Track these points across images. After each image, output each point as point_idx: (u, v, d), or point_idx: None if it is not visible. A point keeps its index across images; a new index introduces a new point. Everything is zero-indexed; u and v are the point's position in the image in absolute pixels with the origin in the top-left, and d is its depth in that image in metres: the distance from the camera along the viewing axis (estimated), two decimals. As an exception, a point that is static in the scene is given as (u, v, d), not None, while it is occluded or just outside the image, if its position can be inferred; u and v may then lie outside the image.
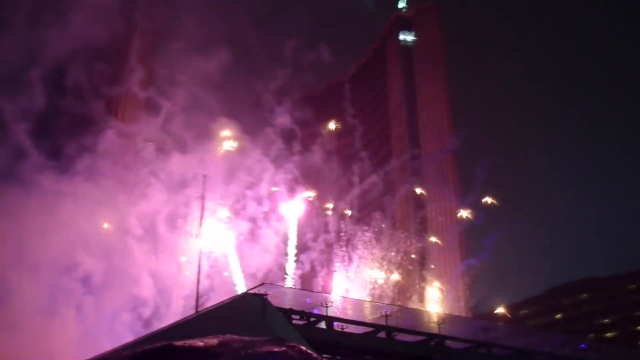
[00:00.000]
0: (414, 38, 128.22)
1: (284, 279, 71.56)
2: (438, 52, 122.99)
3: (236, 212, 70.05)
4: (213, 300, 63.08)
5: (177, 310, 63.63)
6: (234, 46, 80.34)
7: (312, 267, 78.37)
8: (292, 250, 75.11)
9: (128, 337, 55.82)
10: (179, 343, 10.74)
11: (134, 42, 74.19)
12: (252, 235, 71.13)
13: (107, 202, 64.42)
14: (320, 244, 79.69)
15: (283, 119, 77.43)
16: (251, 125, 77.40)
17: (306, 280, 75.69)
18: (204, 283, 66.38)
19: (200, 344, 10.65)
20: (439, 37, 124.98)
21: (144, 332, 58.06)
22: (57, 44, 66.05)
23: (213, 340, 10.75)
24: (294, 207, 74.96)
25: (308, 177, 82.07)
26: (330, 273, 78.84)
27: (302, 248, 78.43)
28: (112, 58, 73.48)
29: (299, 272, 75.74)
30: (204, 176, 50.93)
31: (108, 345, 52.08)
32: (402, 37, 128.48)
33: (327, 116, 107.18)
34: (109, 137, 69.96)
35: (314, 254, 78.29)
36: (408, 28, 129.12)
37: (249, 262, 69.19)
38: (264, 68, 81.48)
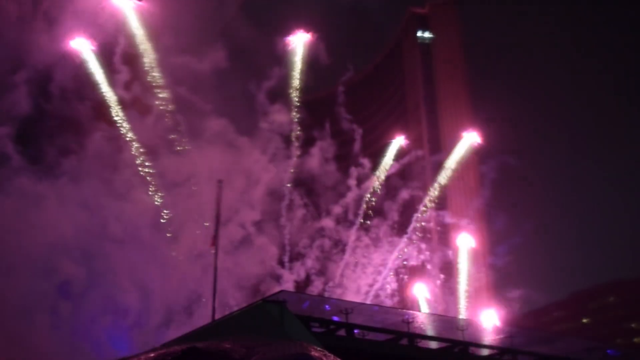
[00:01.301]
0: (431, 35, 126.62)
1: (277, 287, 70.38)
2: (456, 49, 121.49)
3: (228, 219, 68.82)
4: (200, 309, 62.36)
5: (156, 321, 62.37)
6: (232, 45, 79.51)
7: (308, 275, 77.31)
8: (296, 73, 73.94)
9: (107, 346, 55.29)
10: (203, 345, 10.36)
11: (121, 41, 72.87)
12: (244, 243, 69.56)
13: (92, 205, 63.48)
14: (315, 251, 78.70)
15: (285, 122, 76.38)
16: (252, 127, 76.55)
17: (300, 290, 74.74)
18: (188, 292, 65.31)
19: (226, 346, 10.31)
20: (457, 35, 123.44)
21: (124, 342, 57.48)
22: (43, 45, 65.80)
23: (237, 344, 10.37)
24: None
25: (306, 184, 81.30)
26: (327, 280, 77.92)
27: (295, 256, 77.36)
28: (100, 58, 72.36)
29: (293, 277, 74.76)
30: (220, 181, 49.88)
31: (84, 354, 51.65)
32: (419, 34, 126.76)
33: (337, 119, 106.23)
34: (95, 139, 68.56)
35: (309, 262, 77.16)
36: (424, 25, 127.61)
37: (240, 271, 67.82)
38: (266, 68, 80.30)
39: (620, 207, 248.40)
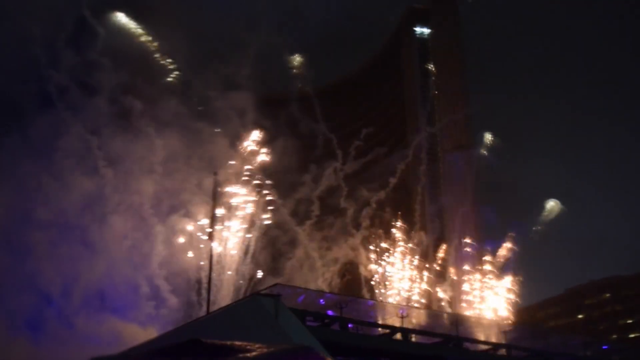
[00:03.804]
0: (429, 31, 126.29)
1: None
2: (455, 45, 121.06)
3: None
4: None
5: (80, 307, 59.93)
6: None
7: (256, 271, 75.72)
8: None
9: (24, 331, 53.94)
10: (206, 340, 10.26)
11: (68, 26, 70.73)
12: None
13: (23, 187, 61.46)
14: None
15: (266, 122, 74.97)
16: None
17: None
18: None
19: (227, 342, 10.19)
20: (455, 30, 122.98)
21: (41, 328, 56.10)
22: None
23: (237, 342, 10.28)
24: None
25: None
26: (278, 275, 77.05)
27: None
28: (50, 43, 70.53)
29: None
30: (215, 173, 49.61)
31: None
32: (418, 29, 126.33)
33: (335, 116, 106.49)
34: (37, 121, 65.45)
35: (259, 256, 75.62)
36: (423, 21, 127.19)
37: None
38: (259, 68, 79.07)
39: (617, 203, 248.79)
